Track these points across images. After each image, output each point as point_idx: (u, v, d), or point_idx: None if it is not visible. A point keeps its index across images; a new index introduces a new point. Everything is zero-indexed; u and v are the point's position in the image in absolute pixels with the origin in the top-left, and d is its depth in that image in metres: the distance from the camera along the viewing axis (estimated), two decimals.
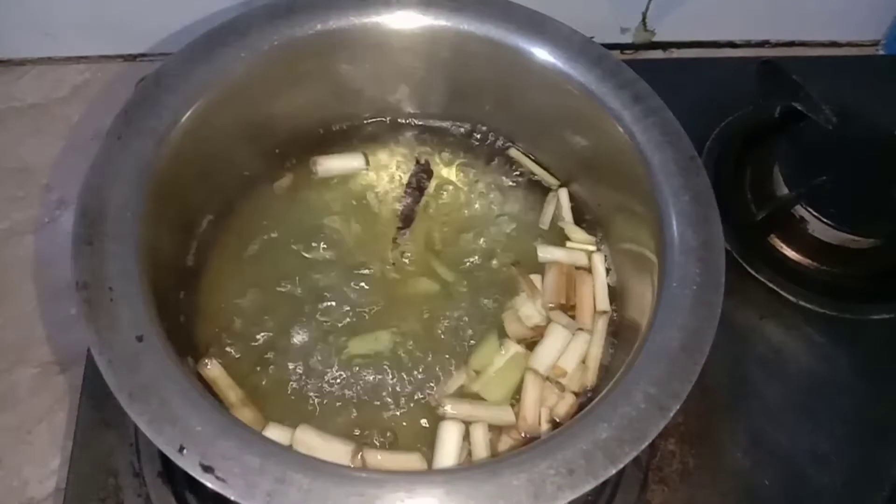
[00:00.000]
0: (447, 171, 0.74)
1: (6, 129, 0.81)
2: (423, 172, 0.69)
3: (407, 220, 0.70)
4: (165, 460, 0.60)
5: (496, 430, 0.60)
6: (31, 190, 0.77)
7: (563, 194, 0.72)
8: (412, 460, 0.57)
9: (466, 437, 0.59)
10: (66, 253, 0.71)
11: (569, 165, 0.72)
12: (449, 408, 0.60)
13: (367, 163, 0.73)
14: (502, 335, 0.65)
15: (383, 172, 0.74)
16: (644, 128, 0.61)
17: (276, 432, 0.56)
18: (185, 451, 0.45)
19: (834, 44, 0.96)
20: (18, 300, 0.71)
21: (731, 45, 0.95)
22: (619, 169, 0.64)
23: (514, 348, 0.63)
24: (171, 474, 0.60)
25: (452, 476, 0.46)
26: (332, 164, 0.73)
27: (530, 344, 0.64)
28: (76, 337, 0.68)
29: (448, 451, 0.57)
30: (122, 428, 0.62)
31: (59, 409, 0.66)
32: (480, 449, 0.58)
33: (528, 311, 0.65)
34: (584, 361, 0.63)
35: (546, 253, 0.69)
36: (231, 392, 0.60)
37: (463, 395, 0.62)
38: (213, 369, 0.60)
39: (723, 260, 0.56)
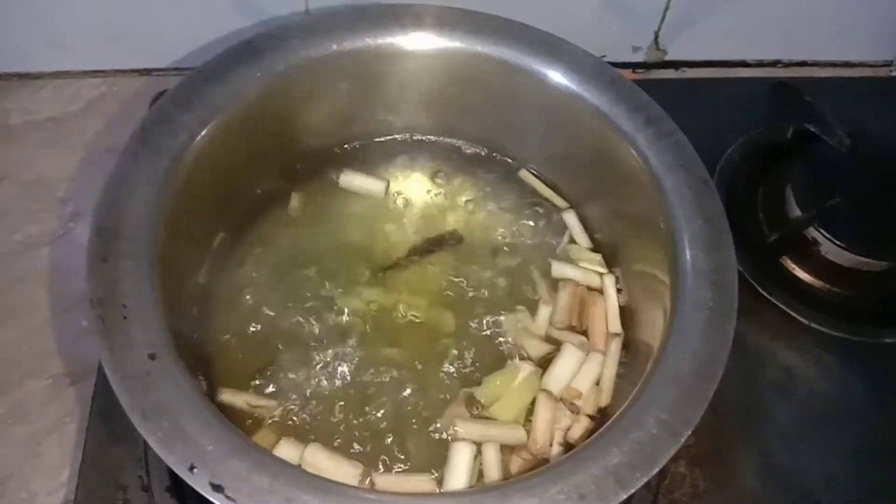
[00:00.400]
0: (458, 191, 0.74)
1: (22, 142, 0.81)
2: (451, 239, 0.69)
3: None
4: (174, 475, 0.59)
5: (507, 450, 0.59)
6: (46, 203, 0.77)
7: (571, 217, 0.72)
8: (422, 482, 0.57)
9: (477, 456, 0.59)
10: (80, 266, 0.71)
11: (582, 187, 0.72)
12: (460, 428, 0.60)
13: (387, 190, 0.74)
14: (514, 357, 0.65)
15: (396, 192, 0.74)
16: (657, 151, 0.62)
17: (285, 450, 0.56)
18: (195, 469, 0.45)
19: (847, 64, 0.96)
20: (31, 312, 0.71)
21: (744, 64, 0.94)
22: (632, 191, 0.64)
23: (528, 369, 0.63)
24: (180, 489, 0.60)
25: (461, 499, 0.46)
26: (354, 182, 0.73)
27: (543, 363, 0.64)
28: (88, 349, 0.68)
29: (459, 472, 0.57)
30: (131, 442, 0.62)
31: (70, 422, 0.66)
32: (492, 469, 0.58)
33: (539, 320, 0.67)
34: (597, 384, 0.63)
35: (560, 270, 0.69)
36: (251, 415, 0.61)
37: (473, 415, 0.62)
38: (230, 397, 0.61)
39: (736, 285, 0.56)
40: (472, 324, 0.66)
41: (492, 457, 0.58)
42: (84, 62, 0.86)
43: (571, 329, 0.66)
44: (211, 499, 0.45)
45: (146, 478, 0.61)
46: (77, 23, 0.82)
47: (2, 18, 0.80)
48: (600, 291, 0.68)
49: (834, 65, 0.96)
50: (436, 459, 0.59)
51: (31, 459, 0.64)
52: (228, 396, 0.61)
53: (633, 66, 0.93)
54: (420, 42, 0.67)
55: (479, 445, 0.59)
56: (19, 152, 0.81)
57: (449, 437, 0.60)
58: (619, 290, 0.68)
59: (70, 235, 0.76)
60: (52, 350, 0.69)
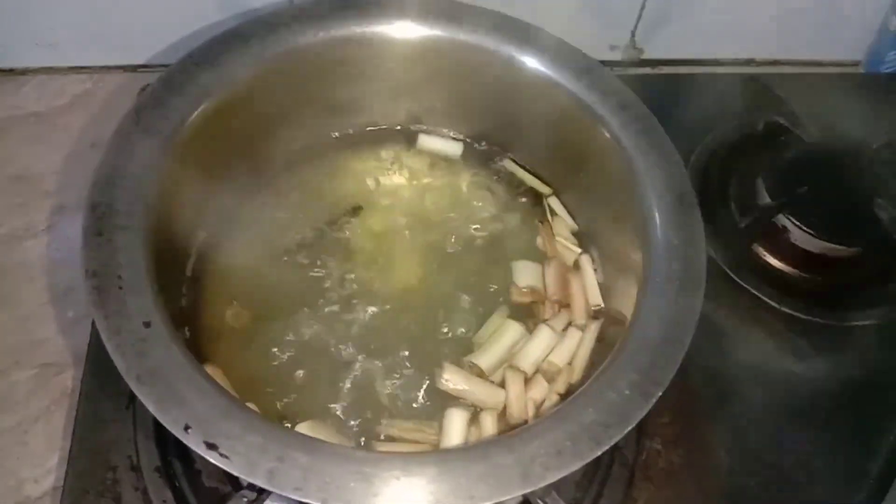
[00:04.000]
0: (445, 177, 0.76)
1: (8, 137, 0.82)
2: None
3: None
4: (163, 455, 0.61)
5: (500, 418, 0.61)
6: (30, 197, 0.78)
7: (554, 201, 0.74)
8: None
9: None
10: (65, 258, 0.73)
11: (559, 171, 0.74)
12: (447, 377, 0.62)
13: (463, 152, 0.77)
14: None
15: (381, 178, 0.75)
16: (630, 134, 0.64)
17: None
18: (190, 430, 0.46)
19: (817, 63, 0.98)
20: (17, 303, 0.71)
21: (718, 62, 0.96)
22: (607, 173, 0.66)
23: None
24: (169, 468, 0.61)
25: (445, 457, 0.48)
26: (431, 144, 0.76)
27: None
28: (73, 340, 0.69)
29: (453, 436, 0.59)
30: (120, 423, 0.62)
31: (56, 410, 0.66)
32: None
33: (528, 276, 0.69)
34: (570, 363, 0.65)
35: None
36: None
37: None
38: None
39: (704, 257, 0.58)
40: (458, 307, 0.68)
41: (489, 423, 0.60)
42: (69, 58, 0.86)
43: (557, 303, 0.68)
44: (206, 456, 0.46)
45: (136, 458, 0.61)
46: (62, 19, 0.82)
47: None
48: (577, 269, 0.70)
49: (805, 63, 0.97)
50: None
51: (17, 448, 0.64)
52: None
53: (611, 64, 0.94)
54: (404, 31, 0.69)
55: (478, 412, 0.61)
56: (4, 147, 0.81)
57: (440, 381, 0.62)
58: (594, 270, 0.69)
59: (55, 229, 0.76)
60: (38, 340, 0.70)
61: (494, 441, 0.48)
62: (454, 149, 0.76)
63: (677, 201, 0.60)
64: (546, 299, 0.68)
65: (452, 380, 0.62)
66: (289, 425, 0.59)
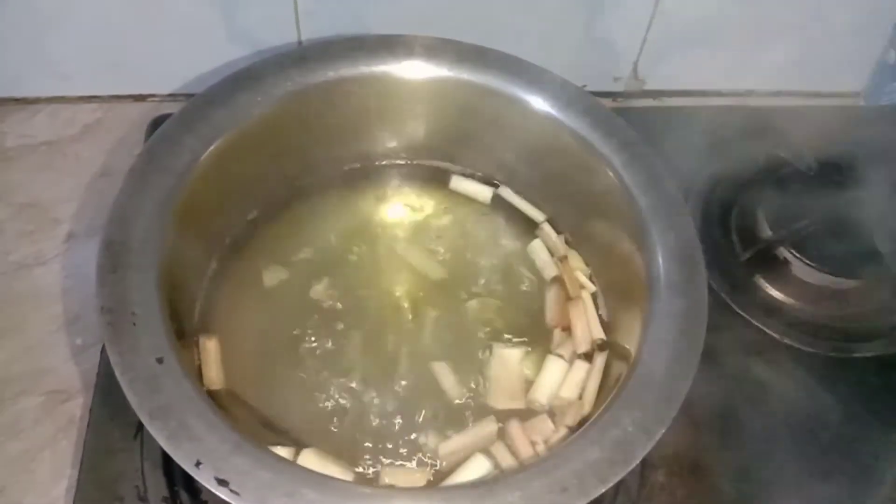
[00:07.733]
0: (449, 211, 0.77)
1: (19, 165, 0.82)
2: None
3: None
4: (170, 485, 0.61)
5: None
6: (40, 224, 0.78)
7: (547, 227, 0.75)
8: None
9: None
10: (74, 286, 0.73)
11: (562, 206, 0.75)
12: (443, 453, 0.62)
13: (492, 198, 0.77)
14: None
15: (390, 211, 0.76)
16: (632, 172, 0.65)
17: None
18: (201, 465, 0.47)
19: (817, 94, 0.98)
20: (25, 331, 0.71)
21: (719, 94, 0.97)
22: (609, 210, 0.67)
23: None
24: (176, 498, 0.61)
25: (451, 493, 0.49)
26: (464, 186, 0.77)
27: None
28: (81, 367, 0.69)
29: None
30: (128, 453, 0.63)
31: (63, 438, 0.66)
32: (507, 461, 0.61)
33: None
34: (580, 397, 0.65)
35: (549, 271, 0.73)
36: (215, 373, 0.63)
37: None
38: (209, 344, 0.64)
39: (706, 294, 0.58)
40: (462, 339, 0.69)
41: (503, 453, 0.61)
42: (80, 88, 0.87)
43: (560, 327, 0.69)
44: (217, 492, 0.46)
45: (143, 487, 0.61)
46: (74, 50, 0.83)
47: None
48: (579, 298, 0.71)
49: (805, 94, 0.98)
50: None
51: (23, 476, 0.64)
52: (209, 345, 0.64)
53: (614, 95, 0.95)
54: (411, 70, 0.70)
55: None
56: (16, 175, 0.82)
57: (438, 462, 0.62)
58: (597, 305, 0.70)
59: (63, 257, 0.76)
60: (46, 368, 0.70)
61: (501, 479, 0.49)
62: (484, 193, 0.77)
63: (678, 239, 0.61)
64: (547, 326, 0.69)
65: (449, 453, 0.62)
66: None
